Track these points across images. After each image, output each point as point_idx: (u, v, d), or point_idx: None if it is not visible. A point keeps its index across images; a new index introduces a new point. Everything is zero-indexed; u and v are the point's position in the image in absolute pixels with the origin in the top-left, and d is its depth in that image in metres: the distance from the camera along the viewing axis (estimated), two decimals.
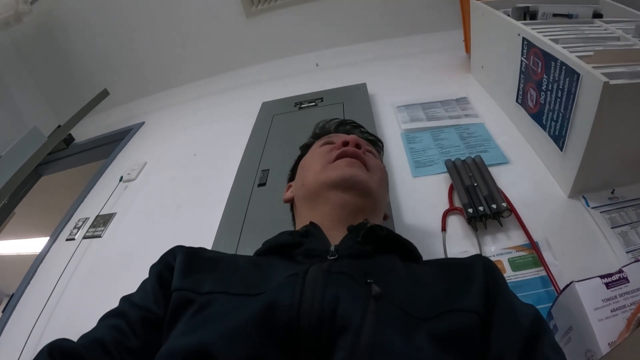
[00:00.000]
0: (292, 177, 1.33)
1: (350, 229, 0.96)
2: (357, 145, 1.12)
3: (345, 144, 1.12)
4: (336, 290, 0.73)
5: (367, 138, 1.36)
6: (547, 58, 1.38)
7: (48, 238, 2.09)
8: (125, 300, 0.86)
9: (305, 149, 1.34)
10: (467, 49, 2.34)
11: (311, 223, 1.00)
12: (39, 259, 1.95)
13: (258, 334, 0.68)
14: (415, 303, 0.75)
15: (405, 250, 0.98)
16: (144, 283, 0.89)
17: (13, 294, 1.79)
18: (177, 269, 0.87)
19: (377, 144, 1.39)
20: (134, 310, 0.81)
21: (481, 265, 0.85)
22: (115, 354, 0.73)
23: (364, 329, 0.66)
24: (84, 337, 0.76)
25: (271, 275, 0.84)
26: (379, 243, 0.93)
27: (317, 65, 2.99)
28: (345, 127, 1.39)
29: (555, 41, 1.39)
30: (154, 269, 0.90)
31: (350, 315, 0.68)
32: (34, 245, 4.05)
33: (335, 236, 0.95)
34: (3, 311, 1.73)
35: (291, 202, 1.24)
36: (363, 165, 1.08)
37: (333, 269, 0.79)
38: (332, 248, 0.89)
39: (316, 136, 1.36)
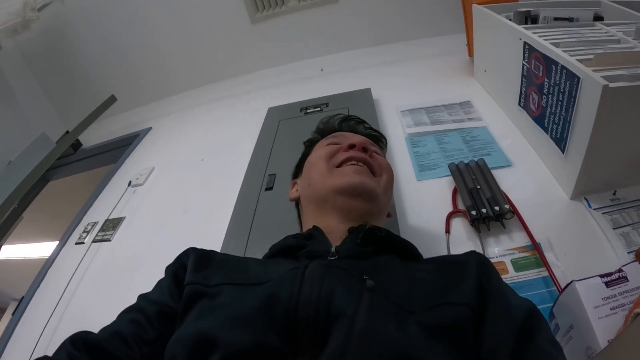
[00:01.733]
0: (296, 174, 1.35)
1: (351, 230, 0.99)
2: (364, 149, 1.13)
3: (352, 146, 1.13)
4: (332, 283, 0.76)
5: (371, 134, 1.38)
6: (548, 62, 1.40)
7: (56, 242, 2.10)
8: (142, 297, 0.91)
9: (310, 145, 1.35)
10: (470, 53, 2.35)
11: (314, 227, 1.03)
12: (49, 262, 1.96)
13: (259, 323, 0.71)
14: (410, 299, 0.77)
15: (404, 250, 1.00)
16: (160, 281, 0.94)
17: (23, 297, 1.81)
18: (190, 266, 0.91)
19: (380, 140, 1.41)
20: (151, 305, 0.86)
21: (475, 261, 0.88)
22: (133, 344, 0.78)
23: (357, 318, 0.69)
24: (104, 330, 0.81)
25: (274, 268, 0.88)
26: (379, 244, 0.95)
27: (321, 70, 2.99)
28: (349, 123, 1.40)
29: (556, 45, 1.40)
30: (169, 269, 0.95)
31: (345, 305, 0.71)
32: (41, 249, 4.08)
33: (337, 238, 0.98)
34: (13, 314, 1.75)
35: (297, 200, 1.26)
36: (369, 170, 1.10)
37: (331, 264, 0.82)
38: (333, 249, 0.92)
39: (320, 132, 1.38)
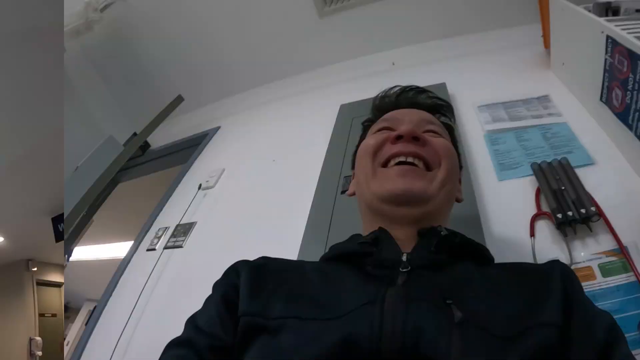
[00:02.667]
0: (354, 163, 1.21)
1: (422, 233, 0.93)
2: (415, 137, 1.00)
3: (399, 137, 1.01)
4: (417, 318, 0.70)
5: (435, 104, 1.26)
6: (633, 57, 1.34)
7: (125, 243, 2.14)
8: (190, 324, 0.84)
9: (365, 127, 1.26)
10: (547, 45, 2.27)
11: (380, 228, 0.95)
12: (121, 269, 1.99)
13: None
14: (495, 318, 0.73)
15: (478, 254, 0.95)
16: (208, 303, 0.88)
17: (96, 307, 1.83)
18: (243, 290, 0.85)
19: (444, 109, 1.27)
20: (201, 338, 0.79)
21: (559, 273, 0.83)
22: None
23: (451, 359, 0.65)
24: None
25: (344, 292, 0.81)
26: (453, 250, 0.90)
27: (393, 64, 2.94)
28: (408, 95, 1.24)
29: None
30: (218, 289, 0.90)
31: (435, 345, 0.67)
32: (111, 250, 4.18)
33: (405, 240, 0.92)
34: (86, 323, 1.77)
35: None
36: (421, 164, 0.99)
37: (411, 295, 0.76)
38: (404, 258, 0.85)
39: (376, 110, 1.26)
